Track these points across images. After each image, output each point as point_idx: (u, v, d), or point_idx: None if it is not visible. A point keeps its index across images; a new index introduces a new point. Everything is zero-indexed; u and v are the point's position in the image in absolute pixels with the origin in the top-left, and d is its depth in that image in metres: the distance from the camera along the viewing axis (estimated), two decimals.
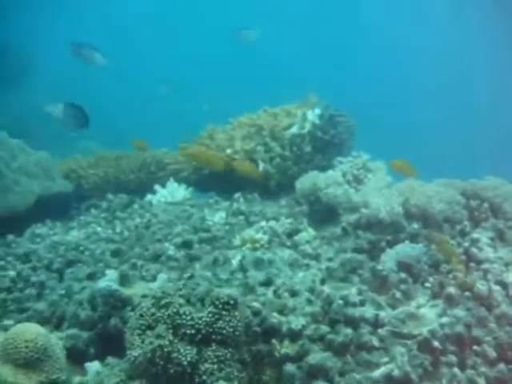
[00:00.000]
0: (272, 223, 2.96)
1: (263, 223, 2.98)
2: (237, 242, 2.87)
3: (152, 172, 4.07)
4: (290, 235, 2.92)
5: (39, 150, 3.96)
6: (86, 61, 3.64)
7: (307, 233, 2.91)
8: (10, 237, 3.16)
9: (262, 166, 3.67)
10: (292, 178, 3.77)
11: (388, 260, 2.61)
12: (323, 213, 3.12)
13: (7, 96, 10.03)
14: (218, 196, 3.89)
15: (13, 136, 4.04)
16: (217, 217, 3.13)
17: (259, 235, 2.79)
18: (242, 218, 3.19)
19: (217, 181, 3.90)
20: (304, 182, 3.20)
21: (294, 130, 3.81)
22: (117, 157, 4.17)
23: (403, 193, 2.96)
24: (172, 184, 3.71)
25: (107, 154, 4.25)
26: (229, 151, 3.64)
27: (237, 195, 3.56)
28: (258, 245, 2.75)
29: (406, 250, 2.62)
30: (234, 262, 2.56)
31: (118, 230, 3.12)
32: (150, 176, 4.07)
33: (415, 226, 2.80)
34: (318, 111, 3.92)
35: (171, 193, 3.67)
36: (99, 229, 3.17)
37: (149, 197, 3.60)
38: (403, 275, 2.46)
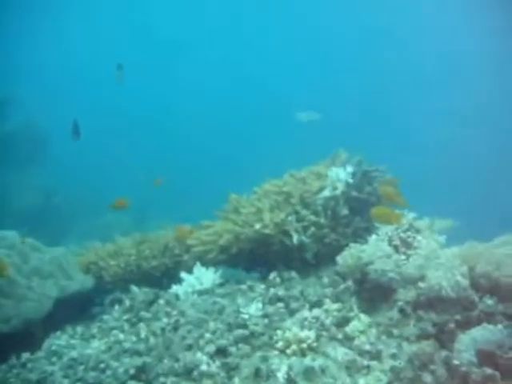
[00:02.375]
0: (317, 312, 2.53)
1: (307, 313, 2.54)
2: (278, 338, 2.44)
3: (177, 255, 3.69)
4: (339, 325, 2.47)
5: (55, 247, 3.66)
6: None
7: (359, 321, 2.46)
8: (25, 355, 2.80)
9: (295, 237, 3.27)
10: (330, 246, 3.37)
11: (464, 349, 2.14)
12: (373, 291, 2.67)
13: (31, 174, 10.01)
14: (249, 273, 3.51)
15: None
16: (252, 308, 2.70)
17: (304, 333, 2.35)
18: (281, 305, 2.76)
19: (247, 259, 3.50)
20: (347, 258, 2.77)
21: (326, 193, 3.41)
22: (138, 242, 3.82)
23: (465, 259, 2.51)
24: (199, 269, 3.32)
25: (127, 240, 3.91)
26: (258, 226, 3.25)
27: (272, 275, 3.15)
28: (304, 345, 2.31)
29: (484, 334, 2.15)
30: (280, 375, 2.12)
31: (142, 335, 2.72)
32: (175, 259, 3.69)
33: (489, 301, 2.33)
34: (350, 169, 3.52)
35: (199, 279, 3.28)
36: (122, 336, 2.78)
37: (174, 288, 3.20)
38: (489, 370, 1.99)
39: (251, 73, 17.75)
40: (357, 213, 3.52)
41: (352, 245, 2.86)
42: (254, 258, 3.47)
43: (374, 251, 2.66)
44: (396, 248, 3.00)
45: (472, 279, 2.42)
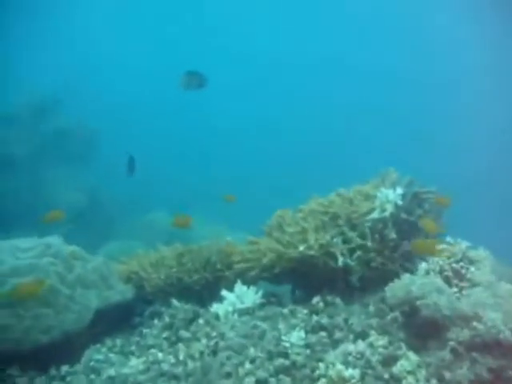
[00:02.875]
0: (362, 347, 2.40)
1: (351, 347, 2.42)
2: (321, 373, 2.33)
3: (218, 269, 3.63)
4: (386, 363, 2.34)
5: (96, 256, 3.65)
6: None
7: (408, 360, 2.32)
8: (65, 368, 2.80)
9: (341, 260, 3.15)
10: (376, 270, 3.24)
11: None
12: (423, 327, 2.52)
13: (77, 172, 10.21)
14: (292, 294, 3.40)
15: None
16: (294, 336, 2.60)
17: (349, 372, 2.24)
18: (323, 334, 2.65)
19: (290, 279, 3.41)
20: (396, 290, 2.63)
21: (375, 215, 3.27)
22: (179, 253, 3.77)
23: None
24: (240, 287, 3.24)
25: (169, 250, 3.87)
26: (302, 248, 3.15)
27: (315, 300, 3.04)
28: None
29: None
30: None
31: (181, 357, 2.66)
32: (216, 274, 3.63)
33: None
34: (399, 190, 3.37)
35: (240, 297, 3.20)
36: (160, 355, 2.73)
37: (215, 307, 3.13)
38: None
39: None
40: (405, 236, 3.37)
41: (402, 276, 2.72)
42: (298, 278, 3.37)
43: (425, 285, 2.51)
44: (447, 279, 2.84)
45: None
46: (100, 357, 2.89)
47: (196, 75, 3.90)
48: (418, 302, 2.49)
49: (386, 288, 2.73)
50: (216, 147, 14.73)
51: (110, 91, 15.14)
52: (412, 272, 3.06)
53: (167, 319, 3.11)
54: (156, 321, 3.27)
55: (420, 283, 2.52)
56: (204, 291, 3.64)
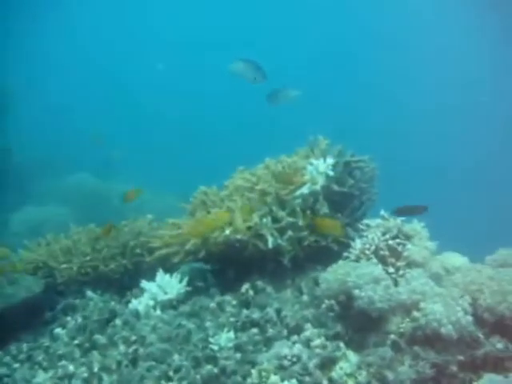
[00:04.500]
0: (298, 350, 2.15)
1: (286, 350, 2.16)
2: (253, 380, 2.08)
3: (138, 254, 3.26)
4: (324, 366, 2.11)
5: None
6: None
7: (347, 361, 2.10)
8: None
9: (271, 241, 2.87)
10: (309, 248, 2.99)
11: None
12: (361, 319, 2.31)
13: None
14: (219, 279, 3.10)
15: None
16: (223, 338, 2.32)
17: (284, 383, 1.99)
18: (255, 331, 2.38)
19: (218, 263, 3.10)
20: (330, 281, 2.39)
21: (305, 189, 3.00)
22: (94, 238, 3.36)
23: (467, 286, 2.16)
24: (162, 276, 2.91)
25: (82, 234, 3.43)
26: (228, 232, 2.83)
27: (244, 287, 2.76)
28: None
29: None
30: None
31: (95, 369, 2.32)
32: (136, 260, 3.26)
33: (499, 345, 2.00)
34: (330, 160, 3.10)
35: (162, 287, 2.87)
36: (71, 368, 2.37)
37: (134, 303, 2.78)
38: None
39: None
40: (338, 208, 3.14)
41: (335, 265, 2.47)
42: (225, 261, 3.07)
43: (361, 275, 2.28)
44: (384, 259, 2.64)
45: (475, 313, 2.08)
46: (1, 370, 2.49)
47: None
48: (354, 294, 2.26)
49: (320, 280, 2.48)
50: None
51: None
52: (347, 247, 2.87)
53: (80, 320, 2.72)
54: (69, 318, 2.89)
55: (355, 275, 2.28)
56: (124, 278, 3.28)
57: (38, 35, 13.02)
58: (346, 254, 2.79)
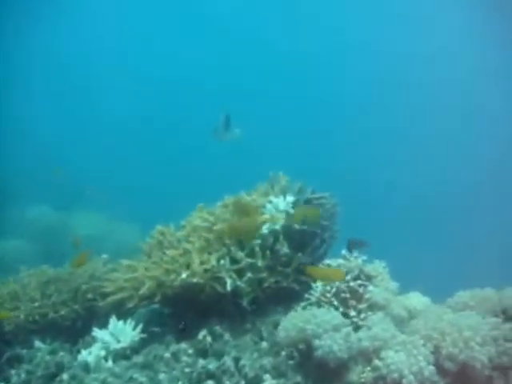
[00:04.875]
0: None
1: None
2: None
3: (90, 299, 3.09)
4: None
5: None
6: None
7: None
8: None
9: (229, 283, 2.75)
10: (269, 289, 2.89)
11: None
12: (321, 368, 2.21)
13: None
14: (175, 323, 2.96)
15: None
16: None
17: None
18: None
19: (173, 305, 2.96)
20: (289, 329, 2.28)
21: (264, 229, 2.91)
22: (44, 283, 3.17)
23: (429, 333, 2.08)
24: (115, 323, 2.75)
25: (32, 277, 3.25)
26: (184, 275, 2.70)
27: (201, 334, 2.62)
28: None
29: None
30: None
31: None
32: (89, 305, 3.09)
33: None
34: (290, 197, 3.04)
35: (115, 336, 2.71)
36: None
37: (84, 354, 2.61)
38: None
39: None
40: (299, 247, 3.05)
41: (294, 313, 2.36)
42: (182, 305, 2.93)
43: (320, 322, 2.18)
44: (345, 302, 2.55)
45: (437, 361, 2.00)
46: None
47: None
48: (314, 344, 2.16)
49: (280, 327, 2.37)
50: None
51: None
52: (307, 287, 2.78)
53: (23, 375, 2.53)
54: (14, 371, 2.69)
55: (315, 322, 2.18)
56: (76, 325, 3.10)
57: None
58: (307, 295, 2.70)
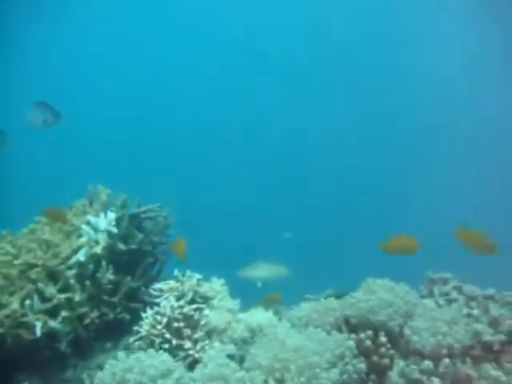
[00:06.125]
0: None
1: None
2: None
3: None
4: None
5: None
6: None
7: None
8: None
9: (39, 328, 2.22)
10: (94, 325, 2.42)
11: None
12: None
13: None
14: None
15: None
16: None
17: None
18: None
19: None
20: (107, 380, 1.83)
21: (81, 256, 2.41)
22: None
23: (271, 365, 1.78)
24: None
25: None
26: None
27: None
28: None
29: None
30: None
31: None
32: None
33: None
34: (112, 214, 2.58)
35: None
36: None
37: None
38: None
39: None
40: (127, 270, 2.62)
41: (113, 362, 1.91)
42: None
43: (146, 367, 1.77)
44: (179, 332, 2.17)
45: None
46: None
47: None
48: None
49: (96, 379, 1.91)
50: None
51: None
52: (136, 312, 2.38)
53: None
54: None
55: (138, 369, 1.76)
56: None
57: None
58: (136, 327, 2.27)
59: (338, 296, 2.83)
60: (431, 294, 2.67)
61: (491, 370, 1.95)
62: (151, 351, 1.88)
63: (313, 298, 3.00)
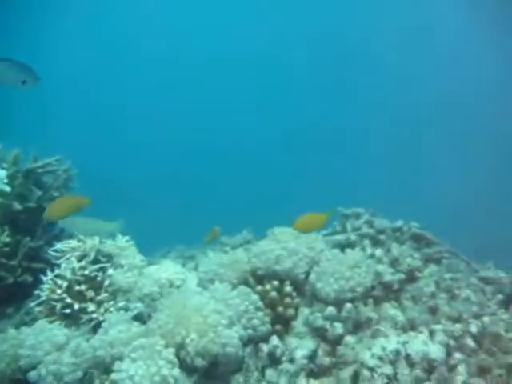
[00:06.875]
0: None
1: None
2: None
3: None
4: None
5: None
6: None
7: None
8: None
9: None
10: None
11: None
12: None
13: None
14: None
15: None
16: None
17: None
18: None
19: None
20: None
21: None
22: None
23: (172, 328, 1.72)
24: None
25: None
26: None
27: None
28: None
29: None
30: None
31: None
32: None
33: None
34: (3, 172, 2.36)
35: None
36: None
37: None
38: None
39: None
40: (27, 231, 2.44)
41: (2, 335, 1.78)
42: None
43: (38, 342, 1.66)
44: (82, 296, 2.06)
45: (184, 361, 1.67)
46: None
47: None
48: (30, 376, 1.65)
49: None
50: None
51: None
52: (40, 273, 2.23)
53: None
54: None
55: (30, 344, 1.65)
56: None
57: None
58: (37, 292, 2.13)
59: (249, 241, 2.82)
60: (344, 230, 2.71)
61: (390, 308, 2.01)
62: (46, 324, 1.77)
63: (227, 241, 2.98)
